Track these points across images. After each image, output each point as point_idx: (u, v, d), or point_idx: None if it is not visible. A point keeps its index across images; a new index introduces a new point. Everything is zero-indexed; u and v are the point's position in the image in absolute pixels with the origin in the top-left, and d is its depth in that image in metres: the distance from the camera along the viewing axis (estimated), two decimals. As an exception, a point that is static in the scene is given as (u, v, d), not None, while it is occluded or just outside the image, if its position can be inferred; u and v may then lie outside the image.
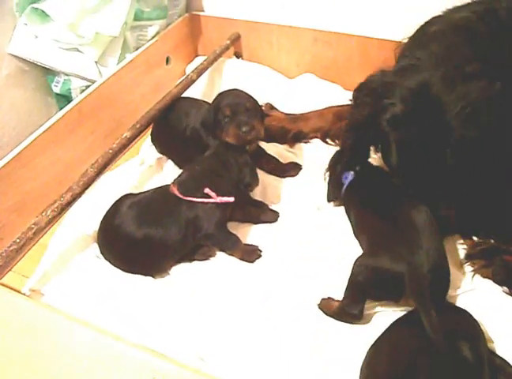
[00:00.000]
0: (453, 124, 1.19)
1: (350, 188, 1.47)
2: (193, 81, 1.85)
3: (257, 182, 1.50)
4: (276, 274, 1.38)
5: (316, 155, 1.72)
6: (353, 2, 1.93)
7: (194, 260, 1.44)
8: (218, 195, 1.38)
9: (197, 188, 1.39)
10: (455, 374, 1.00)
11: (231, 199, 1.39)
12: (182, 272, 1.41)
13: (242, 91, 1.59)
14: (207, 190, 1.38)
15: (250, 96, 1.58)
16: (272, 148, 1.73)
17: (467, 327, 1.12)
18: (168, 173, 1.72)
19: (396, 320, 1.17)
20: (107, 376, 1.01)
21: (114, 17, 1.81)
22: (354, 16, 1.95)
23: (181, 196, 1.38)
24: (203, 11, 2.21)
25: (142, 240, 1.35)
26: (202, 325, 1.26)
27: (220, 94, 1.59)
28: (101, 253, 1.43)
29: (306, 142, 1.81)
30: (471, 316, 1.15)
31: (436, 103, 1.21)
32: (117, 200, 1.44)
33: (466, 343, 1.03)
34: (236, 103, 1.51)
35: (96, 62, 1.89)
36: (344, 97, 1.91)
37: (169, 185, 1.43)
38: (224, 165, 1.45)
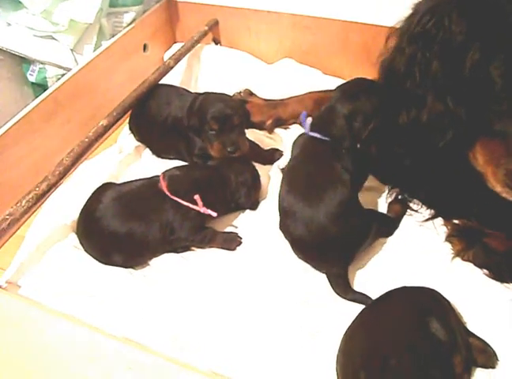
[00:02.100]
0: None
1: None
2: (170, 68, 1.82)
3: (254, 205, 1.51)
4: (257, 260, 1.37)
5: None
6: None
7: (175, 251, 1.42)
8: (204, 205, 1.37)
9: (188, 192, 1.37)
10: (427, 351, 1.01)
11: (214, 214, 1.38)
12: (162, 263, 1.39)
13: (230, 99, 1.57)
14: (196, 197, 1.36)
15: (239, 106, 1.55)
16: (251, 135, 1.70)
17: (436, 305, 1.13)
18: (147, 161, 1.71)
19: (367, 305, 1.19)
20: (84, 366, 1.00)
21: (88, 4, 1.78)
22: (334, 0, 1.92)
23: (168, 194, 1.36)
24: (180, -4, 2.19)
25: (124, 234, 1.33)
26: (182, 316, 1.25)
27: (207, 98, 1.55)
28: (80, 243, 1.40)
29: (285, 128, 1.80)
30: (439, 294, 1.17)
31: None
32: (98, 190, 1.42)
33: (435, 320, 1.05)
34: (224, 117, 1.47)
35: (71, 50, 1.86)
36: (324, 82, 1.92)
37: (158, 177, 1.41)
38: (222, 181, 1.44)
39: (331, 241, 1.25)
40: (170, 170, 1.45)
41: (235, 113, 1.49)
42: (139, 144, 1.77)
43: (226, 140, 1.46)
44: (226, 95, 1.60)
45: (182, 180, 1.41)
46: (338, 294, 1.26)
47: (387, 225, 1.42)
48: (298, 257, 1.33)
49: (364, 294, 1.25)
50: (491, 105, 1.15)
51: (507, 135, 1.14)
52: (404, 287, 1.18)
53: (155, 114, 1.67)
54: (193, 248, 1.42)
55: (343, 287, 1.27)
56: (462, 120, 1.18)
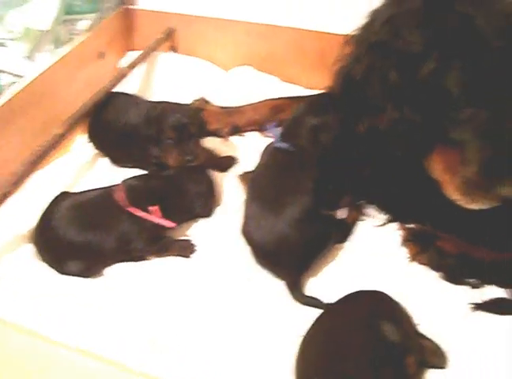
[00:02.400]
0: None
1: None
2: (126, 76, 1.82)
3: (209, 214, 1.51)
4: (212, 267, 1.39)
5: (253, 148, 1.72)
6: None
7: (130, 260, 1.42)
8: (161, 217, 1.38)
9: (145, 203, 1.38)
10: (380, 353, 1.04)
11: (172, 225, 1.40)
12: (119, 272, 1.39)
13: (187, 108, 1.58)
14: (153, 208, 1.37)
15: (195, 115, 1.57)
16: (208, 142, 1.72)
17: (388, 308, 1.17)
18: (102, 170, 1.70)
19: (323, 311, 1.21)
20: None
21: (44, 11, 1.78)
22: (290, 8, 1.95)
23: (125, 204, 1.36)
24: (137, 5, 2.18)
25: (80, 244, 1.34)
26: (139, 325, 1.25)
27: (164, 108, 1.56)
28: (37, 253, 1.39)
29: (241, 135, 1.82)
30: (389, 297, 1.20)
31: None
32: (55, 199, 1.42)
33: (387, 323, 1.08)
34: (182, 126, 1.48)
35: (26, 57, 1.84)
36: (282, 89, 1.94)
37: (114, 187, 1.41)
38: (179, 192, 1.45)
39: (291, 248, 1.28)
40: (127, 180, 1.45)
41: (192, 122, 1.50)
42: (95, 152, 1.76)
43: (184, 149, 1.48)
44: (183, 104, 1.61)
45: (139, 190, 1.42)
46: (294, 299, 1.28)
47: (342, 231, 1.45)
48: (258, 263, 1.35)
49: (317, 299, 1.27)
50: (448, 113, 1.17)
51: (463, 143, 1.16)
52: (358, 292, 1.21)
53: (112, 123, 1.67)
54: (149, 257, 1.42)
55: (298, 292, 1.29)
56: (419, 128, 1.20)
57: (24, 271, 1.36)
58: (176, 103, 1.60)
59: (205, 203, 1.48)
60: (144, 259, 1.42)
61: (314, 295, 1.29)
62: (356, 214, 1.50)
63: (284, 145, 1.43)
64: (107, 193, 1.41)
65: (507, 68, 1.12)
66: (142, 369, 1.12)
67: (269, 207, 1.31)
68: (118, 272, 1.39)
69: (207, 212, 1.51)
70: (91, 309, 1.28)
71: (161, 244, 1.41)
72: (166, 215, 1.39)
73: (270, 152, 1.46)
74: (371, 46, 1.25)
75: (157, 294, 1.32)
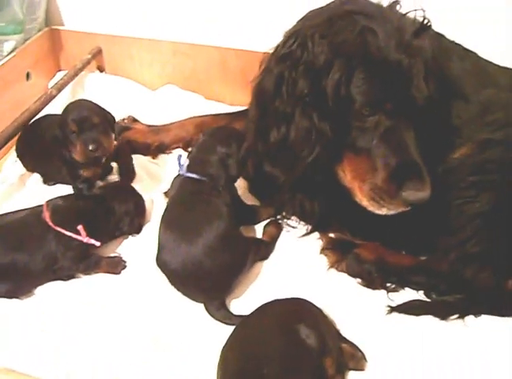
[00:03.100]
0: None
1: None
2: (53, 97, 1.85)
3: (138, 231, 1.54)
4: (142, 283, 1.41)
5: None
6: (212, 15, 1.99)
7: (61, 279, 1.42)
8: (87, 236, 1.39)
9: (71, 222, 1.39)
10: (297, 357, 1.08)
11: (98, 243, 1.41)
12: (47, 291, 1.40)
13: (90, 102, 1.59)
14: (80, 227, 1.39)
15: (99, 108, 1.58)
16: (135, 160, 1.75)
17: (305, 313, 1.21)
18: (31, 190, 1.70)
19: (243, 319, 1.24)
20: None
21: (-35, 33, 1.78)
22: (212, 27, 2.01)
23: (51, 224, 1.38)
24: (63, 25, 2.20)
25: (6, 265, 1.34)
26: (68, 343, 1.26)
27: (68, 106, 1.57)
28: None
29: (168, 153, 1.85)
30: (309, 302, 1.25)
31: None
32: None
33: (304, 327, 1.12)
34: (83, 118, 1.50)
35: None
36: (206, 107, 1.99)
37: (41, 207, 1.42)
38: (106, 211, 1.47)
39: (207, 274, 1.31)
40: (53, 199, 1.46)
41: (94, 114, 1.52)
42: (23, 172, 1.76)
43: (86, 140, 1.49)
44: (86, 100, 1.62)
45: (65, 210, 1.43)
46: (220, 320, 1.31)
47: (263, 249, 1.49)
48: (176, 289, 1.37)
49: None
50: (353, 122, 1.25)
51: (370, 151, 1.25)
52: (275, 300, 1.25)
53: (39, 140, 1.68)
54: (79, 275, 1.44)
55: (223, 313, 1.32)
56: (327, 136, 1.26)
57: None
58: (78, 100, 1.64)
59: (131, 221, 1.50)
60: (73, 277, 1.43)
61: (240, 313, 1.32)
62: (275, 231, 1.55)
63: (192, 175, 1.45)
64: (33, 212, 1.42)
65: (404, 79, 1.22)
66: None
67: (183, 235, 1.33)
68: (46, 292, 1.39)
69: (135, 230, 1.53)
70: (16, 330, 1.28)
71: (88, 262, 1.42)
72: (93, 233, 1.41)
73: (180, 183, 1.48)
74: (280, 58, 1.32)
75: (88, 312, 1.33)
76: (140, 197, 1.57)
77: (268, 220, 1.58)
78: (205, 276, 1.31)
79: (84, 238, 1.39)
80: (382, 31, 1.22)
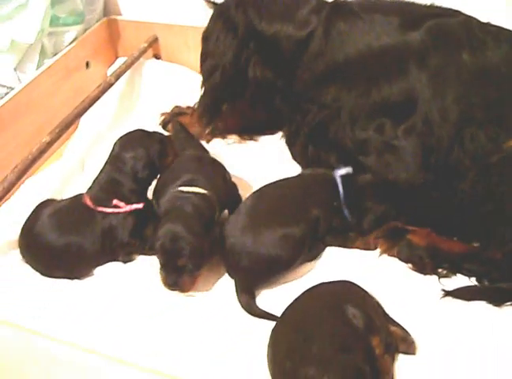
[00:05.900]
0: None
1: None
2: (111, 84, 1.89)
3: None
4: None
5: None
6: None
7: (118, 260, 1.45)
8: (127, 204, 1.42)
9: (107, 199, 1.42)
10: (345, 336, 1.09)
11: (140, 205, 1.43)
12: (107, 273, 1.43)
13: (183, 227, 1.29)
14: (115, 201, 1.42)
15: (192, 234, 1.29)
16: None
17: (351, 294, 1.23)
18: (90, 175, 1.70)
19: (292, 301, 1.24)
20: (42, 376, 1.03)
21: (29, 24, 1.84)
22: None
23: (93, 207, 1.42)
24: (121, 15, 2.26)
25: (62, 248, 1.39)
26: (128, 324, 1.28)
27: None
28: (23, 258, 1.44)
29: (223, 138, 1.88)
30: (354, 284, 1.26)
31: None
32: (36, 207, 1.46)
33: (351, 307, 1.14)
34: (171, 252, 1.28)
35: (14, 69, 1.90)
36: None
37: (82, 195, 1.46)
38: (120, 167, 1.47)
39: (261, 261, 1.34)
40: (89, 188, 1.49)
41: (185, 246, 1.27)
42: (82, 157, 1.81)
43: (168, 279, 1.31)
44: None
45: (98, 191, 1.46)
46: (243, 307, 1.32)
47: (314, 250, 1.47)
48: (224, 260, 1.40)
49: (269, 313, 1.29)
50: None
51: None
52: (321, 283, 1.27)
53: None
54: (135, 256, 1.47)
55: (250, 302, 1.33)
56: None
57: (15, 276, 1.41)
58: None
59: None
60: (131, 258, 1.46)
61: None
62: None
63: None
64: (77, 198, 1.46)
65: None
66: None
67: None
68: (105, 273, 1.43)
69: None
70: (85, 309, 1.32)
71: (144, 240, 1.44)
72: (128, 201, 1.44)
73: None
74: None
75: (143, 294, 1.36)
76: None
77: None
78: (258, 262, 1.33)
79: (126, 207, 1.42)
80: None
